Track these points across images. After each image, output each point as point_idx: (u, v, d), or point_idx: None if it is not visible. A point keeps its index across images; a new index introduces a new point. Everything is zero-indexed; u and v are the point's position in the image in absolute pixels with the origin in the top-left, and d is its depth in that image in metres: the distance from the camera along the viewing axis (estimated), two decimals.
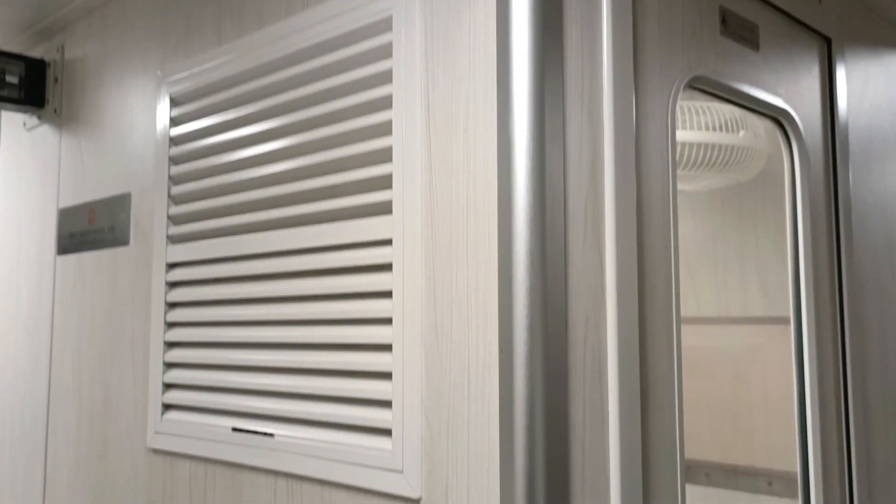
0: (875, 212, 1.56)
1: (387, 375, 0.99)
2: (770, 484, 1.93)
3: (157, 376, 1.33)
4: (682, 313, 2.23)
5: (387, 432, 0.99)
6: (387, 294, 1.00)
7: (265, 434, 1.13)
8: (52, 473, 1.56)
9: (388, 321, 1.00)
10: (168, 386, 1.32)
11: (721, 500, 1.99)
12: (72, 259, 1.59)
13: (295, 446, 1.08)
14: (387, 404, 0.99)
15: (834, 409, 1.40)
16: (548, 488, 0.85)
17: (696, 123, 1.67)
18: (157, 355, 1.33)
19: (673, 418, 1.03)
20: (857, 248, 1.49)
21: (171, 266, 1.33)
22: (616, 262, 0.95)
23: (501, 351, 0.87)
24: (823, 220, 1.42)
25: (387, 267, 1.01)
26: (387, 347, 1.00)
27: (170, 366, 1.32)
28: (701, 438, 2.02)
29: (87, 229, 1.56)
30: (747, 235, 1.96)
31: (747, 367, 1.92)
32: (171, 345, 1.32)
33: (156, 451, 1.33)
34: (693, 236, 2.06)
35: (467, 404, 0.91)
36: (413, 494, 0.94)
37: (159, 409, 1.32)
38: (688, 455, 2.04)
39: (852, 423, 1.43)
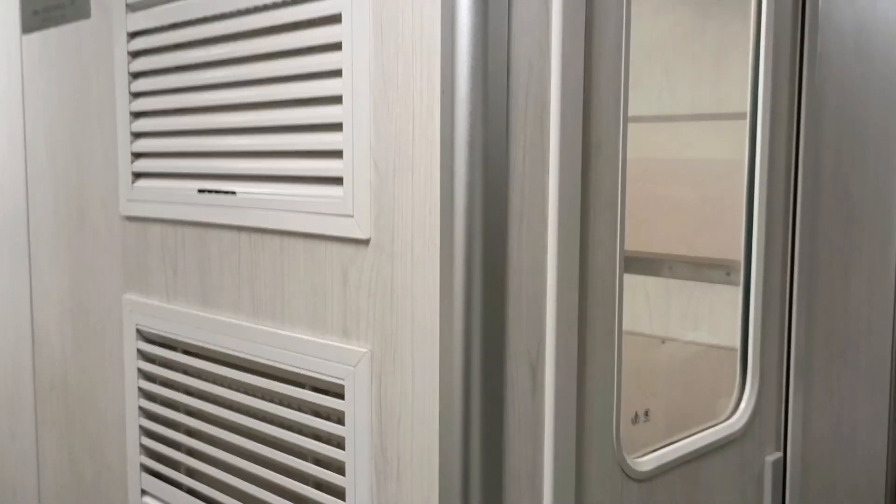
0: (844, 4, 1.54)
1: (338, 127, 1.02)
2: (728, 274, 2.01)
3: (125, 146, 1.36)
4: (655, 111, 2.23)
5: (338, 181, 1.03)
6: (336, 46, 1.01)
7: (228, 192, 1.18)
8: (35, 249, 1.63)
9: (338, 73, 1.01)
10: (137, 155, 1.35)
11: (681, 289, 2.09)
12: (36, 37, 1.57)
13: (255, 202, 1.13)
14: (338, 154, 1.03)
15: (782, 201, 1.45)
16: (485, 222, 0.91)
17: None
18: (124, 126, 1.36)
19: (616, 173, 1.07)
20: (823, 37, 1.48)
21: (133, 35, 1.33)
22: (563, 13, 0.95)
23: (443, 91, 0.90)
24: (789, 8, 1.40)
25: (336, 18, 1.01)
26: (337, 100, 1.02)
27: (137, 135, 1.35)
28: (666, 234, 2.09)
29: (49, 5, 1.53)
30: (730, 28, 1.93)
31: (715, 163, 1.95)
32: (137, 115, 1.34)
33: (129, 219, 1.38)
34: (672, 32, 2.03)
35: (412, 149, 0.94)
36: (363, 236, 1.00)
37: (129, 177, 1.36)
38: (652, 250, 2.13)
39: (799, 215, 1.48)
